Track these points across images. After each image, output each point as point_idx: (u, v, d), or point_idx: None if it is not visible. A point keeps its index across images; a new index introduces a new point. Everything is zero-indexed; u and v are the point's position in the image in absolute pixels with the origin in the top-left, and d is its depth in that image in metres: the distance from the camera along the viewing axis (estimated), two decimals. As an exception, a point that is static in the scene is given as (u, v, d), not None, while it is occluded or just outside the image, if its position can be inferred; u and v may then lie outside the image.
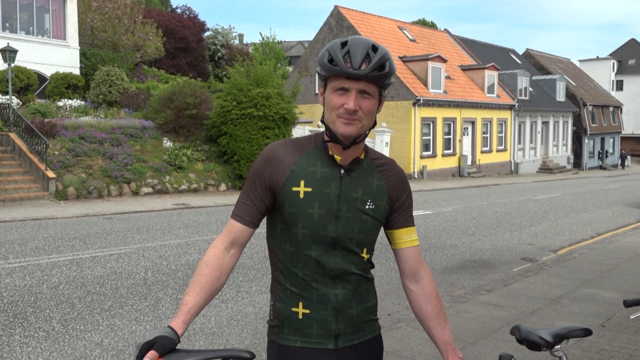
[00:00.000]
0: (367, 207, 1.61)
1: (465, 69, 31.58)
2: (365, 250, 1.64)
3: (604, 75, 57.18)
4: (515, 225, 11.64)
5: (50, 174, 14.31)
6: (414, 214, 1.75)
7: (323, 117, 1.62)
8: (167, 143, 17.87)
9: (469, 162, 29.63)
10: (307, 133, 20.75)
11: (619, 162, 44.62)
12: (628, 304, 2.29)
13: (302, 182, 1.58)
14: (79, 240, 9.03)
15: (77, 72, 22.34)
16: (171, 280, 6.56)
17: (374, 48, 1.53)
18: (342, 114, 1.54)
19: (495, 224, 11.79)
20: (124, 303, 5.64)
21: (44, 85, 21.19)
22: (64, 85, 20.73)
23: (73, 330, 4.83)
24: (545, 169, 35.63)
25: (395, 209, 1.68)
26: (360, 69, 1.50)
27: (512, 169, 33.21)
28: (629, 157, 46.38)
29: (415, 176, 25.70)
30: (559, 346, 1.98)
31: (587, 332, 2.03)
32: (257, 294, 6.08)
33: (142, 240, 9.07)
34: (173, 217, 12.05)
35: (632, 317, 2.38)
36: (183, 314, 1.51)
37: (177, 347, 1.48)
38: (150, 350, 1.40)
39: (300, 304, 1.61)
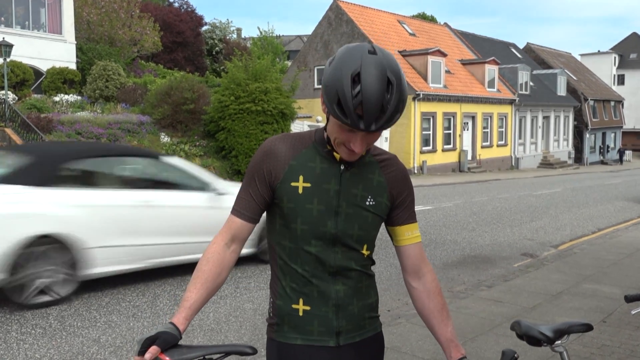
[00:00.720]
0: (367, 203, 1.58)
1: (465, 63, 31.48)
2: (365, 246, 1.61)
3: (605, 70, 57.09)
4: (516, 221, 11.60)
5: (48, 169, 14.23)
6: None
7: (326, 126, 1.57)
8: (165, 138, 17.80)
9: (469, 157, 29.58)
10: (306, 128, 20.68)
11: (618, 157, 44.53)
12: (629, 299, 2.27)
13: (301, 178, 1.55)
14: (77, 235, 8.96)
15: (73, 66, 22.22)
16: (169, 276, 6.51)
17: (389, 84, 1.40)
18: (347, 146, 1.49)
19: (496, 220, 11.74)
20: (122, 299, 5.59)
21: (40, 80, 21.09)
22: (60, 80, 20.63)
23: (70, 327, 4.79)
24: (546, 164, 35.59)
25: (397, 205, 1.64)
26: (372, 126, 1.41)
27: (513, 164, 33.18)
28: (627, 151, 46.24)
29: (415, 171, 25.65)
30: (559, 341, 1.95)
31: (587, 328, 2.01)
32: (256, 290, 6.04)
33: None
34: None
35: (633, 312, 2.34)
36: (184, 310, 1.50)
37: (179, 342, 1.48)
38: (152, 345, 1.40)
39: (301, 301, 1.58)
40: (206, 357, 1.53)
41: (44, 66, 21.20)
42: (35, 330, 4.69)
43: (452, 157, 28.41)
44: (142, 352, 1.42)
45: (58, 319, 4.97)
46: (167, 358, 1.44)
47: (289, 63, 35.75)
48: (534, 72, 37.36)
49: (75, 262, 5.29)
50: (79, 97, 19.80)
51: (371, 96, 1.37)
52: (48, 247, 5.13)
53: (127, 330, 4.75)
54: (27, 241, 4.96)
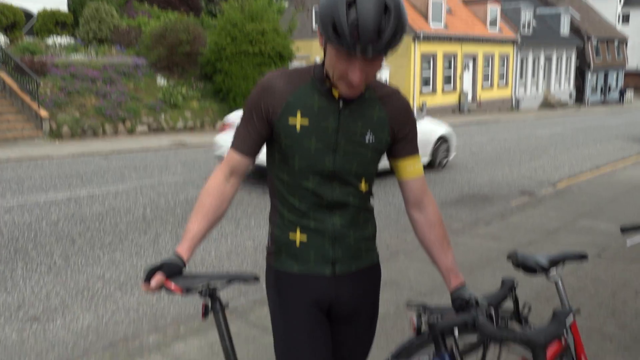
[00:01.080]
0: (366, 140, 1.56)
1: (467, 2, 30.50)
2: (363, 181, 1.61)
3: (610, 8, 55.36)
4: (515, 160, 11.61)
5: (43, 113, 14.09)
6: None
7: (324, 61, 1.51)
8: (161, 81, 17.51)
9: (469, 99, 29.24)
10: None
11: (619, 97, 43.95)
12: (625, 229, 2.28)
13: (298, 114, 1.52)
14: (76, 178, 9.00)
15: (64, 8, 21.56)
16: (170, 216, 6.58)
17: (387, 10, 1.35)
18: (346, 79, 1.45)
19: (495, 159, 11.75)
20: (124, 238, 5.67)
21: (32, 22, 20.50)
22: (52, 22, 20.06)
23: (75, 265, 4.88)
24: (547, 104, 35.24)
25: (399, 139, 1.62)
26: (369, 50, 1.36)
27: (513, 105, 32.84)
28: (629, 91, 45.54)
29: (415, 112, 25.43)
30: (554, 270, 1.98)
31: (582, 257, 2.03)
32: (256, 228, 6.12)
33: (140, 178, 9.04)
34: (170, 155, 11.98)
35: (628, 243, 2.36)
36: (187, 241, 1.55)
37: (183, 272, 1.54)
38: (157, 272, 1.47)
39: (298, 231, 1.60)
40: (210, 283, 1.57)
41: (34, 8, 20.59)
42: (41, 268, 4.79)
43: (452, 98, 28.09)
44: (147, 280, 1.48)
45: (62, 257, 5.06)
46: (172, 284, 1.49)
47: (286, 4, 34.59)
48: (538, 11, 36.25)
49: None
50: (72, 40, 19.31)
51: (367, 19, 1.33)
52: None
53: (130, 267, 4.84)
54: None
